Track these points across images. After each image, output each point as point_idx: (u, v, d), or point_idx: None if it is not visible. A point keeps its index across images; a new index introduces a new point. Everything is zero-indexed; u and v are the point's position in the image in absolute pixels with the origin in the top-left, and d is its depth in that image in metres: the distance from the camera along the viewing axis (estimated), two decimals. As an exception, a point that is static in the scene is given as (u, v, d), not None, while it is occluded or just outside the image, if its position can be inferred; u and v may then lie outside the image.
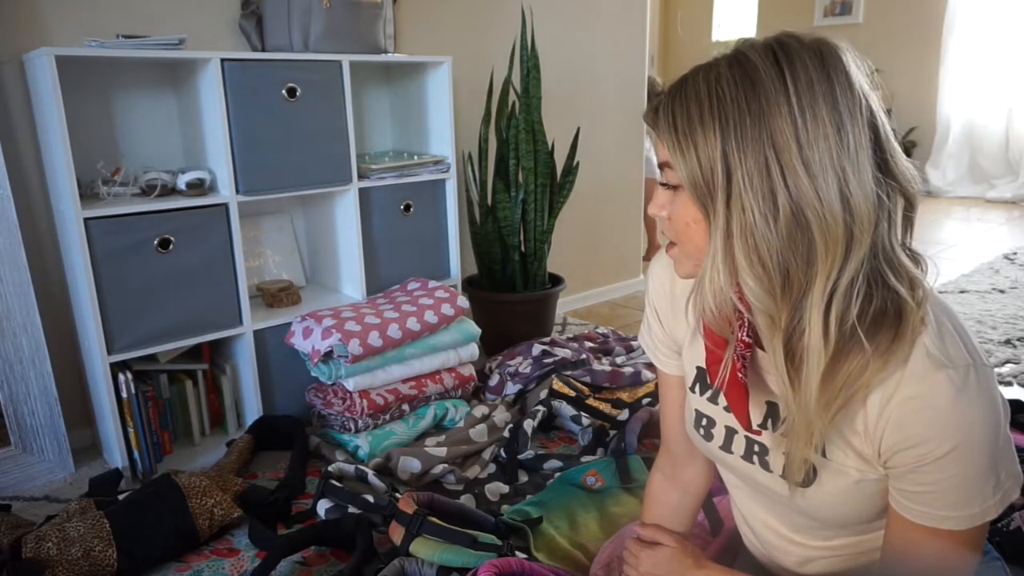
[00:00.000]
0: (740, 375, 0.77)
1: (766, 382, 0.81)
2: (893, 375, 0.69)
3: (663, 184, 0.77)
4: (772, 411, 0.81)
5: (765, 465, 0.85)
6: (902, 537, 0.76)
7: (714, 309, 0.73)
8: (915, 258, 0.73)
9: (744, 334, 0.76)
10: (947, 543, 0.73)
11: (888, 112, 0.71)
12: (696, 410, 0.92)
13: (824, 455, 0.78)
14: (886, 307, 0.69)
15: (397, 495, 1.50)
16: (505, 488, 1.67)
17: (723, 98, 0.68)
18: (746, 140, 0.66)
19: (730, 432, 0.88)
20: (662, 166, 0.75)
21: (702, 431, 0.91)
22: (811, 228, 0.66)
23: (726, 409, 0.88)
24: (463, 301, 2.03)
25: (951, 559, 0.74)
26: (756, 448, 0.85)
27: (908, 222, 0.72)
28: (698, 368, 0.92)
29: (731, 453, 0.88)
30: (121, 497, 1.51)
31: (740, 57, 0.69)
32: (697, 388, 0.92)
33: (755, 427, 0.82)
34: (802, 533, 0.90)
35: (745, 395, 0.77)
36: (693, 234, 0.74)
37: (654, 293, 0.96)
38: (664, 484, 1.06)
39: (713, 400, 0.90)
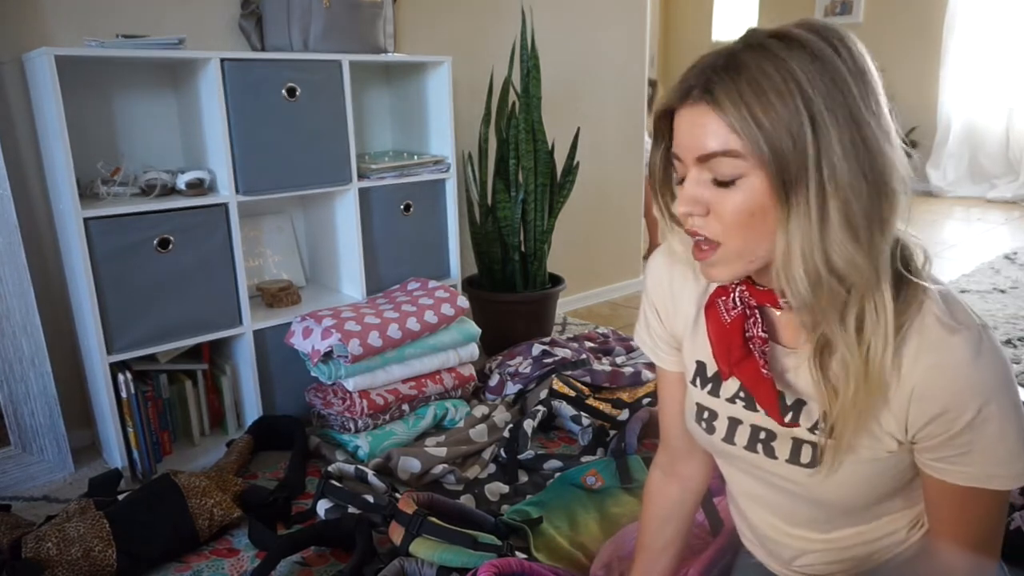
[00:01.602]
0: (765, 372, 0.77)
1: (785, 378, 0.81)
2: (909, 346, 0.71)
3: (718, 182, 0.69)
4: (794, 404, 0.81)
5: (770, 452, 0.85)
6: (950, 509, 0.77)
7: (807, 291, 0.68)
8: None
9: (759, 330, 0.78)
10: (995, 503, 0.74)
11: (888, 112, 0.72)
12: (697, 404, 0.92)
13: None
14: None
15: (397, 495, 1.50)
16: (505, 488, 1.67)
17: (789, 66, 0.66)
18: (831, 102, 0.66)
19: (733, 423, 0.88)
20: (708, 158, 0.69)
21: (704, 424, 0.91)
22: (888, 183, 0.67)
23: (728, 400, 0.88)
24: (463, 301, 2.03)
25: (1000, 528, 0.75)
26: (762, 435, 0.85)
27: None
28: (698, 362, 0.92)
29: (734, 444, 0.88)
30: (121, 497, 1.51)
31: (781, 33, 0.69)
32: (698, 382, 0.92)
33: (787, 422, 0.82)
34: (801, 527, 0.90)
35: (774, 391, 0.78)
36: (756, 224, 0.69)
37: (653, 289, 0.96)
38: (663, 481, 1.06)
39: (714, 393, 0.90)
